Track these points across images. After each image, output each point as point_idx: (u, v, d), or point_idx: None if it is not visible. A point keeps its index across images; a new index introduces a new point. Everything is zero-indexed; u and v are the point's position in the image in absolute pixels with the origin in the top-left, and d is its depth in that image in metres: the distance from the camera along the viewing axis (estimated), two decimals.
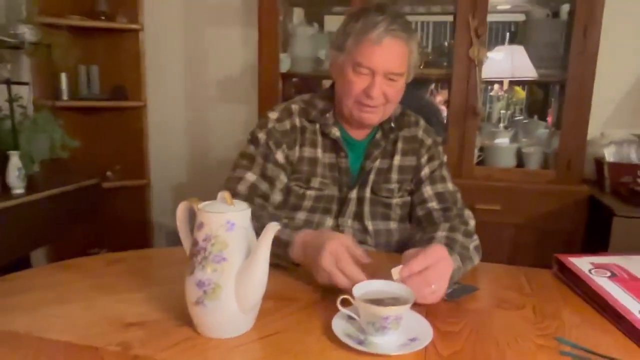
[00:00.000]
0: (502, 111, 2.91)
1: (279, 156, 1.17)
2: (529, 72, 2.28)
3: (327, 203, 1.21)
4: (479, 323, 0.84)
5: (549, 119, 2.61)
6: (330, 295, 0.85)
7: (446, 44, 2.34)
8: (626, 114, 2.30)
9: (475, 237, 1.13)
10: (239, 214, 0.74)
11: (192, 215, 0.80)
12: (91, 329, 0.78)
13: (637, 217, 1.78)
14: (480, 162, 2.25)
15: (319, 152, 1.20)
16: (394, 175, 1.23)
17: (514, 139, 2.36)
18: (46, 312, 0.83)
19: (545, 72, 2.25)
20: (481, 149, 2.28)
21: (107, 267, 1.04)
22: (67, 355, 0.71)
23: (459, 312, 0.88)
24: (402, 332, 0.76)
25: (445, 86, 2.47)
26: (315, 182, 1.19)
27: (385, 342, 0.75)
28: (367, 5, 1.13)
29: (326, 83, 2.51)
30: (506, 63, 2.35)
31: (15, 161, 1.92)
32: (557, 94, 2.48)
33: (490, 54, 2.35)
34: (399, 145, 1.23)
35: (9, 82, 1.95)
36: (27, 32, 2.07)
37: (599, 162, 2.12)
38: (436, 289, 0.85)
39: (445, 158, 1.29)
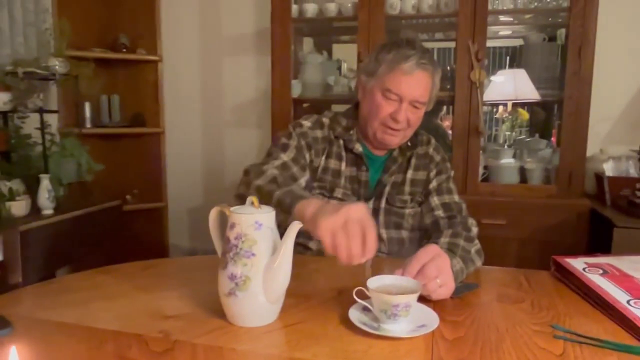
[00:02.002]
0: (507, 132, 3.02)
1: (307, 156, 1.28)
2: (531, 94, 2.39)
3: None
4: (481, 314, 0.93)
5: (554, 138, 2.71)
6: (346, 292, 0.95)
7: (449, 68, 2.47)
8: (624, 130, 2.40)
9: (477, 242, 1.21)
10: (266, 215, 0.85)
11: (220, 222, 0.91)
12: (135, 320, 0.88)
13: (636, 227, 1.86)
14: (485, 179, 2.35)
15: (343, 166, 1.31)
16: (407, 188, 1.34)
17: (517, 157, 2.45)
18: (93, 307, 0.93)
19: (544, 93, 2.37)
20: (485, 167, 2.38)
21: (142, 271, 1.15)
22: (115, 340, 0.81)
23: (463, 306, 0.97)
24: (411, 320, 0.85)
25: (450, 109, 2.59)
26: (339, 193, 1.30)
27: (396, 328, 0.84)
28: (398, 39, 1.26)
29: (335, 107, 2.64)
30: (509, 86, 2.47)
31: (45, 184, 2.05)
32: (558, 113, 2.59)
33: (493, 78, 2.48)
34: (413, 161, 1.35)
35: (41, 111, 2.10)
36: (58, 65, 2.23)
37: (599, 177, 2.21)
38: (443, 281, 0.94)
39: (452, 173, 1.40)
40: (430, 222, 1.31)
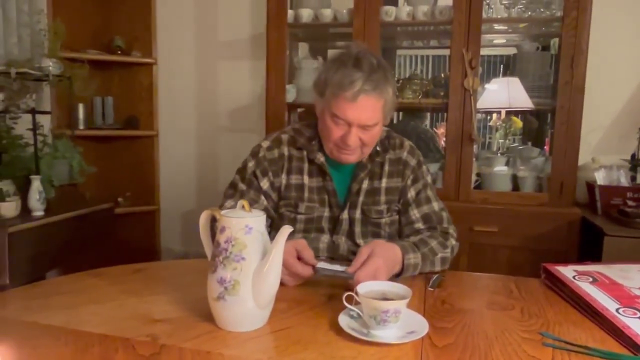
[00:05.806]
0: (500, 140, 3.03)
1: (263, 183, 1.27)
2: (524, 102, 2.40)
3: (318, 223, 1.29)
4: (470, 321, 0.93)
5: (546, 147, 2.72)
6: (336, 298, 0.95)
7: (443, 75, 2.47)
8: (615, 140, 2.42)
9: (448, 251, 1.21)
10: (256, 219, 0.85)
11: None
12: (122, 324, 0.87)
13: (626, 236, 1.87)
14: (478, 187, 2.35)
15: (306, 179, 1.28)
16: (382, 197, 1.29)
17: (510, 165, 2.46)
18: (81, 310, 0.92)
19: (537, 102, 2.38)
20: (478, 174, 2.39)
21: (131, 274, 1.14)
22: (102, 344, 0.80)
23: (452, 313, 0.97)
24: (401, 326, 0.85)
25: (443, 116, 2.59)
26: (303, 207, 1.28)
27: (385, 334, 0.83)
28: (346, 55, 1.18)
29: None
30: (502, 94, 2.48)
31: (36, 185, 2.04)
32: (550, 122, 2.60)
33: (487, 86, 2.49)
34: (386, 167, 1.30)
35: (34, 112, 2.09)
36: (51, 66, 2.22)
37: (591, 186, 2.22)
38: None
39: (429, 178, 1.35)
40: (410, 233, 1.28)
